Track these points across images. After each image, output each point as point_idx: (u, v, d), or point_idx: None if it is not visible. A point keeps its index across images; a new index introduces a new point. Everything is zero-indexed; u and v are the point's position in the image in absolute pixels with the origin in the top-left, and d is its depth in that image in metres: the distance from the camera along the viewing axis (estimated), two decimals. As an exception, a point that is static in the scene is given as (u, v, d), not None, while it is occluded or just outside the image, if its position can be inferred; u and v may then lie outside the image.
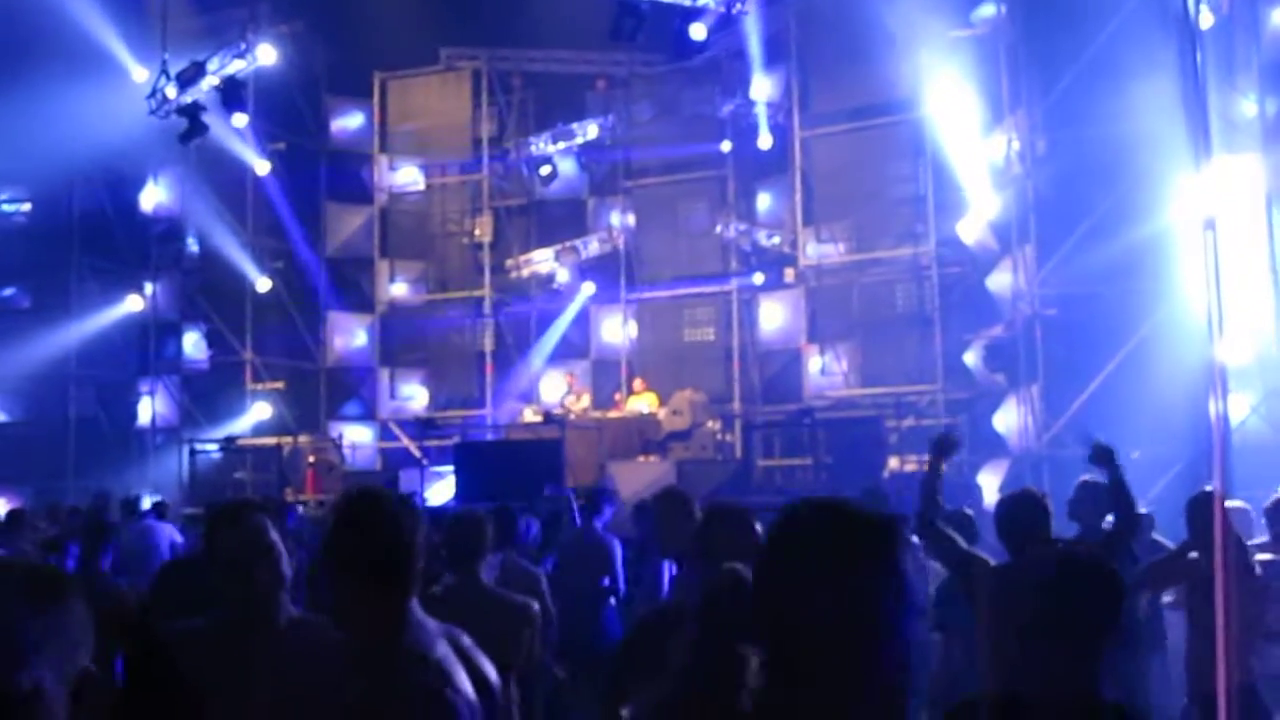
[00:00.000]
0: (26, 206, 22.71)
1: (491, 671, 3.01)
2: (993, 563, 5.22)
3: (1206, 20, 13.68)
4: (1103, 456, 5.91)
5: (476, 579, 5.27)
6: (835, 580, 1.81)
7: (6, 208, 22.80)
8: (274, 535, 3.54)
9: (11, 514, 10.79)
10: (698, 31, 16.13)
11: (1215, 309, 11.85)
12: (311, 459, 18.71)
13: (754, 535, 4.30)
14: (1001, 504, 5.30)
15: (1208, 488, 6.15)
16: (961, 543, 5.50)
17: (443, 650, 2.87)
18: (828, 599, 1.80)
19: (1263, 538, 7.05)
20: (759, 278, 20.86)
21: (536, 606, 5.25)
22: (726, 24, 17.45)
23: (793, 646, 1.84)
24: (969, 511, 7.39)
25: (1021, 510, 5.15)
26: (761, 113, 20.20)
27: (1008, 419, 16.11)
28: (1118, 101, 14.13)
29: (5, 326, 20.79)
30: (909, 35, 17.52)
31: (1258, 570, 5.95)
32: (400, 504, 3.00)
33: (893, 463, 15.93)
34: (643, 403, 18.46)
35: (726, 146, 21.32)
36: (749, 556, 4.18)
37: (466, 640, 3.04)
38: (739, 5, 16.65)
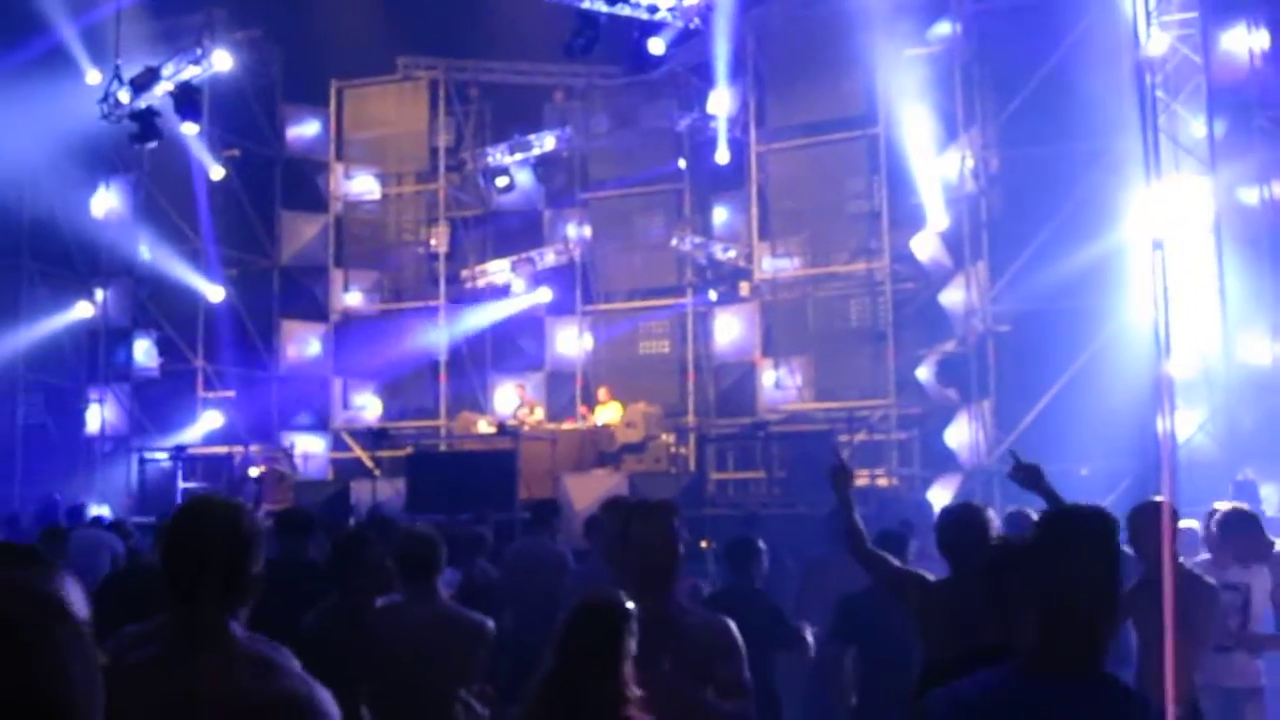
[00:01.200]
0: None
1: (319, 705, 2.76)
2: (931, 578, 5.25)
3: (1159, 43, 13.89)
4: (1029, 479, 5.43)
5: (433, 595, 5.21)
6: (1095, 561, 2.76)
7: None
8: None
9: None
10: (656, 46, 16.21)
11: (1163, 327, 12.02)
12: (262, 469, 18.56)
13: (672, 530, 4.34)
14: (942, 517, 5.32)
15: (1157, 498, 6.21)
16: (894, 562, 5.54)
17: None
18: (1088, 572, 2.75)
19: (1204, 556, 7.13)
20: (713, 294, 20.97)
21: (492, 624, 5.19)
22: (685, 38, 17.55)
23: (1059, 609, 2.75)
24: (905, 534, 7.46)
25: (961, 524, 5.18)
26: (719, 127, 20.27)
27: (960, 434, 16.24)
28: (1070, 121, 14.33)
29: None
30: (866, 52, 17.66)
31: (1205, 582, 5.98)
32: (214, 516, 2.93)
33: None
34: (609, 412, 18.43)
35: (683, 164, 21.41)
36: (669, 549, 4.27)
37: (284, 662, 2.82)
38: (696, 20, 16.75)
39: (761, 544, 7.13)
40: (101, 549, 10.63)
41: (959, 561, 5.09)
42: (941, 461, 16.53)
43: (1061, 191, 14.29)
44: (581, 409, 20.02)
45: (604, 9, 15.81)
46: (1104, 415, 12.36)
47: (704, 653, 4.20)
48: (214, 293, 21.21)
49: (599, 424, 18.18)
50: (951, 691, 2.93)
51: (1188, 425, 13.07)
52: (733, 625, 4.32)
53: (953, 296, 16.90)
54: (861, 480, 15.66)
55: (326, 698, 2.76)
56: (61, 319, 21.31)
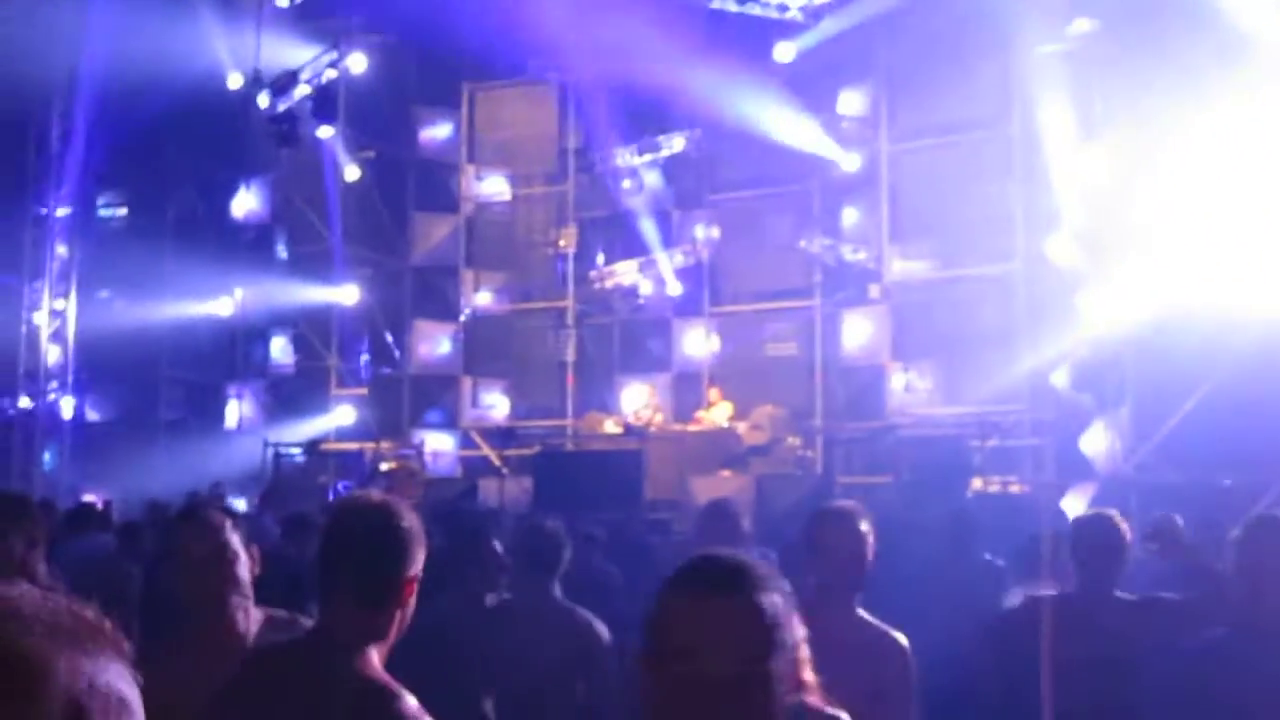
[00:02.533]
0: (123, 211, 23.21)
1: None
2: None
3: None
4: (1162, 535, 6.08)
5: (543, 592, 5.14)
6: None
7: (104, 212, 23.31)
8: (231, 537, 3.57)
9: (83, 509, 10.95)
10: (784, 53, 16.03)
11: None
12: (393, 465, 18.85)
13: (860, 535, 4.17)
14: (1075, 528, 5.16)
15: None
16: None
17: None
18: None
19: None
20: (841, 297, 20.67)
21: (601, 626, 5.08)
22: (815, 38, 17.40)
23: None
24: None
25: (1094, 534, 5.01)
26: (849, 129, 20.01)
27: (1095, 441, 15.81)
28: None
29: (101, 328, 21.22)
30: (1000, 49, 17.31)
31: None
32: (366, 517, 2.90)
33: (976, 483, 15.69)
34: (719, 412, 18.36)
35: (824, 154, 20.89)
36: (857, 555, 4.08)
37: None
38: (827, 20, 16.59)
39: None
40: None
41: (1089, 572, 4.93)
42: (1076, 469, 16.11)
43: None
44: (696, 413, 19.77)
45: (734, 8, 15.76)
46: (1250, 423, 11.92)
47: (872, 676, 3.93)
48: (348, 293, 21.62)
49: (721, 425, 18.12)
50: (1179, 648, 4.07)
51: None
52: (904, 644, 4.13)
53: (1089, 299, 16.47)
54: (994, 486, 15.37)
55: None
56: (202, 316, 21.92)
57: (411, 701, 2.71)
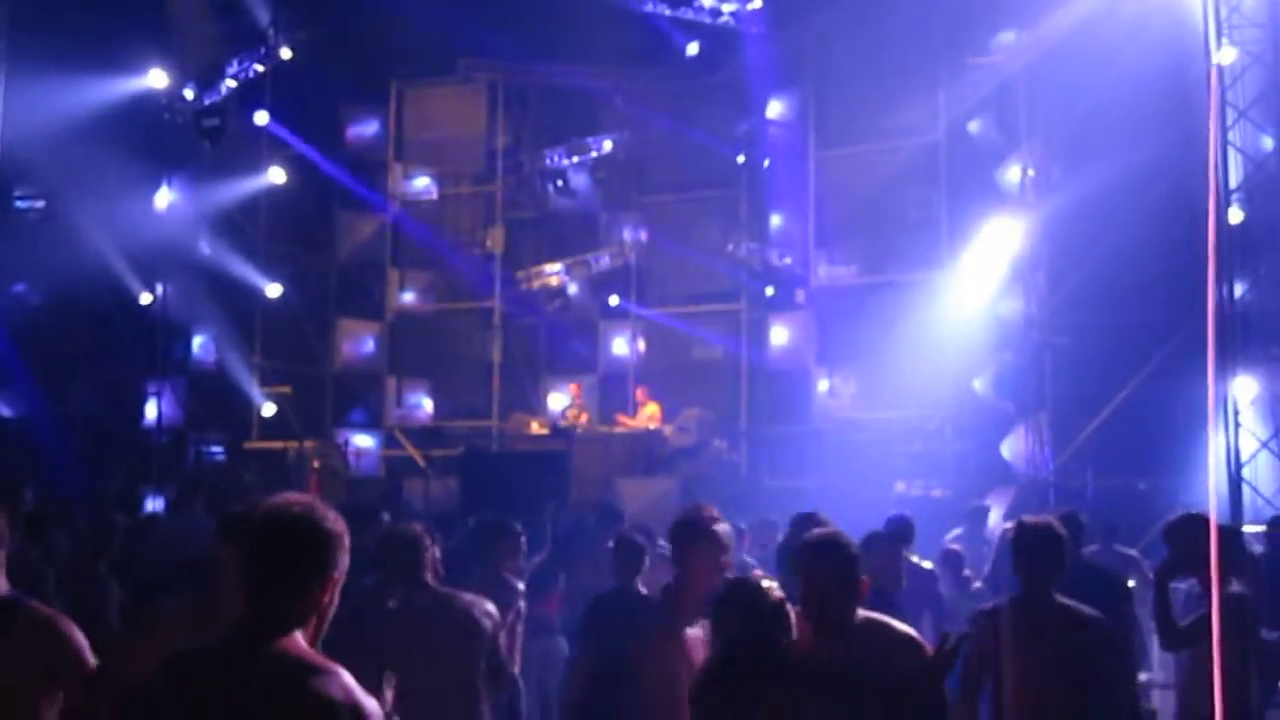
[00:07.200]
0: (40, 203, 22.76)
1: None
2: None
3: (1229, 55, 13.68)
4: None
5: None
6: None
7: (21, 204, 22.86)
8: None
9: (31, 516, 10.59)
10: (693, 48, 16.16)
11: (1224, 343, 11.77)
12: (316, 464, 18.66)
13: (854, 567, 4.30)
14: (1020, 534, 5.23)
15: (1192, 512, 6.17)
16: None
17: None
18: None
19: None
20: (770, 291, 20.69)
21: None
22: (746, 43, 17.51)
23: None
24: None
25: (1039, 540, 5.12)
26: (776, 133, 20.15)
27: (1015, 446, 16.07)
28: (1134, 132, 14.14)
29: (15, 319, 20.77)
30: (928, 61, 17.52)
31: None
32: (300, 521, 3.00)
33: (899, 486, 15.86)
34: (647, 414, 18.41)
35: (741, 159, 21.13)
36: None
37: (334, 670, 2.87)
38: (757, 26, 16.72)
39: (643, 542, 6.61)
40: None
41: (1033, 576, 5.04)
42: (997, 473, 16.35)
43: (1124, 202, 14.10)
44: (618, 416, 19.70)
45: (666, 13, 15.83)
46: (1165, 430, 12.19)
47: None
48: (271, 290, 21.37)
49: (647, 427, 18.15)
50: None
51: (1252, 442, 12.83)
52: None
53: (1011, 306, 16.73)
54: (916, 491, 15.54)
55: (373, 708, 2.81)
56: (121, 311, 21.52)
57: (347, 675, 2.82)
